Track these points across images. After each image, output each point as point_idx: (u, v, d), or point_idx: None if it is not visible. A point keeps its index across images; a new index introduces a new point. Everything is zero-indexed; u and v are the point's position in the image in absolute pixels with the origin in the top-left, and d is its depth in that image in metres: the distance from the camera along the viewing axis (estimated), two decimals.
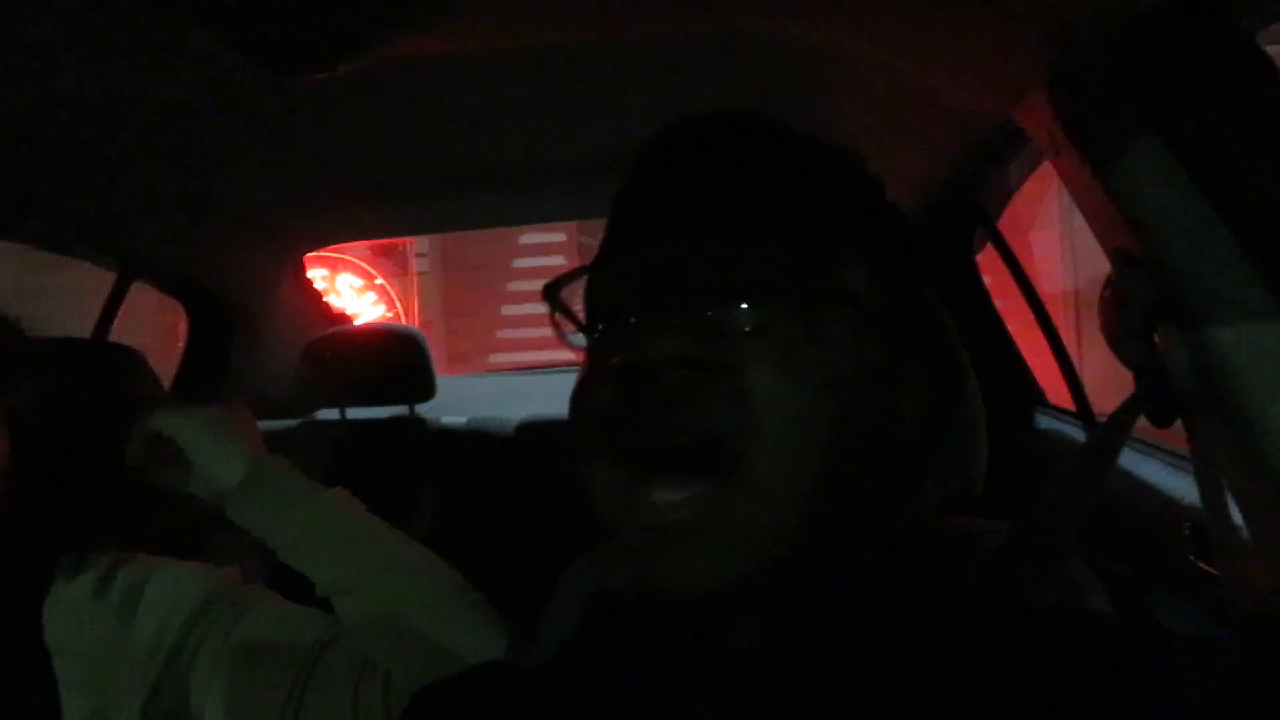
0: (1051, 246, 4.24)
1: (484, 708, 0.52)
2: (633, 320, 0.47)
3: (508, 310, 6.57)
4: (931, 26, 0.85)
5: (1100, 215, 0.74)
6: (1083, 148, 0.73)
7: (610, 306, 0.49)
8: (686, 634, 0.48)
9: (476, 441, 1.99)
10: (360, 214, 1.83)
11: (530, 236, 6.54)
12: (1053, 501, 0.55)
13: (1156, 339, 0.68)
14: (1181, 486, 1.02)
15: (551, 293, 0.52)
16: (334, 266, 5.91)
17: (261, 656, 0.81)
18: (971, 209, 1.44)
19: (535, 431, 1.96)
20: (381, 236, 5.09)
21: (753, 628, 0.47)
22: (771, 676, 0.47)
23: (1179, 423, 0.70)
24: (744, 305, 0.45)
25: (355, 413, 2.04)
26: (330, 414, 2.05)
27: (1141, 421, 0.69)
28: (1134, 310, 0.68)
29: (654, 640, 0.50)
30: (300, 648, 0.80)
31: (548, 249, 6.58)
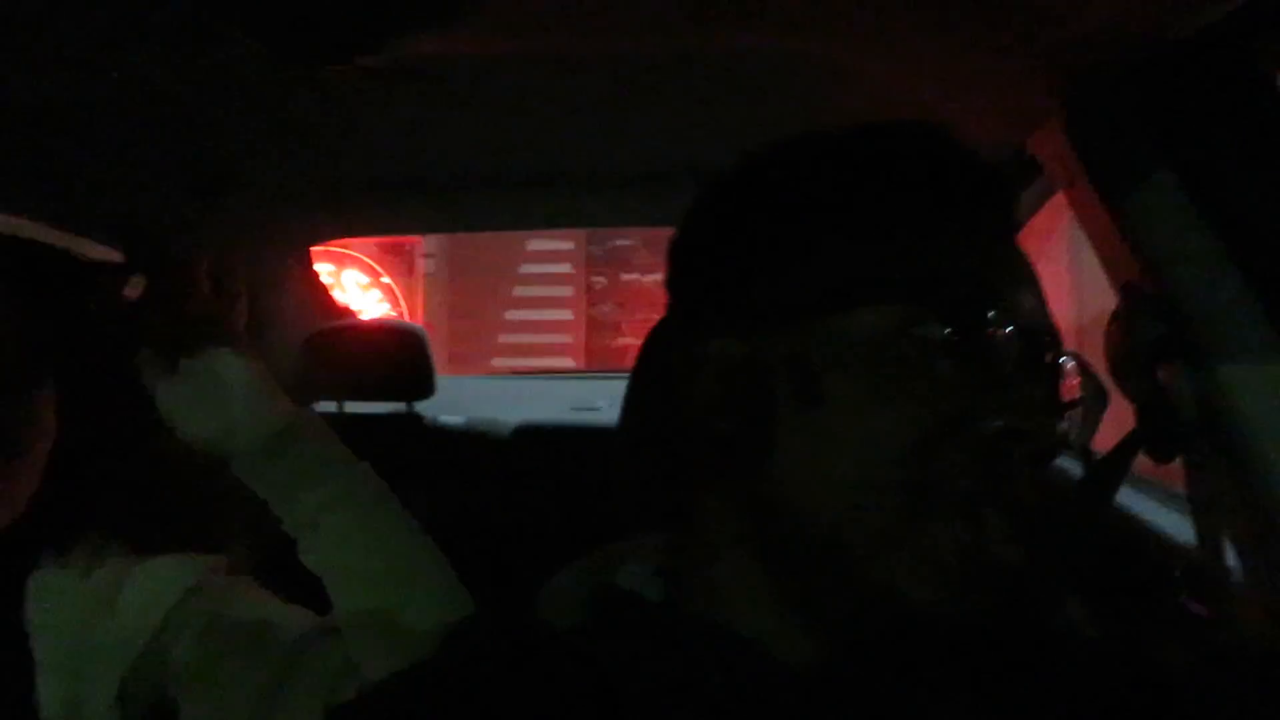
0: (1059, 279, 4.24)
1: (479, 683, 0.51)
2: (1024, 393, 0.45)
3: (511, 315, 6.58)
4: (951, 53, 0.85)
5: (1110, 249, 0.74)
6: (1096, 180, 0.73)
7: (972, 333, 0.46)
8: (732, 645, 0.48)
9: (472, 442, 1.99)
10: (370, 210, 1.83)
11: (538, 243, 6.55)
12: (1058, 538, 0.55)
13: (1160, 375, 0.68)
14: (1175, 525, 1.01)
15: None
16: (341, 262, 5.92)
17: (242, 649, 0.80)
18: None
19: (532, 436, 1.96)
20: (391, 233, 5.11)
21: (812, 646, 0.47)
22: (825, 697, 0.46)
23: (1175, 461, 0.70)
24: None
25: (353, 407, 2.04)
26: (328, 407, 2.05)
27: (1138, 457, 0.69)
28: (1140, 345, 0.67)
29: (687, 646, 0.49)
30: (282, 644, 0.79)
31: (555, 256, 6.60)
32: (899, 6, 0.78)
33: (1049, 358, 0.47)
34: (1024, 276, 0.49)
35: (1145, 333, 0.68)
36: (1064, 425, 0.47)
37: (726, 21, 0.87)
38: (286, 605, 0.84)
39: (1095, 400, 0.48)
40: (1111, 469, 0.64)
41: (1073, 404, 0.48)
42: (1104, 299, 0.78)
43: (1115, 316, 0.72)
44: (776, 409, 0.46)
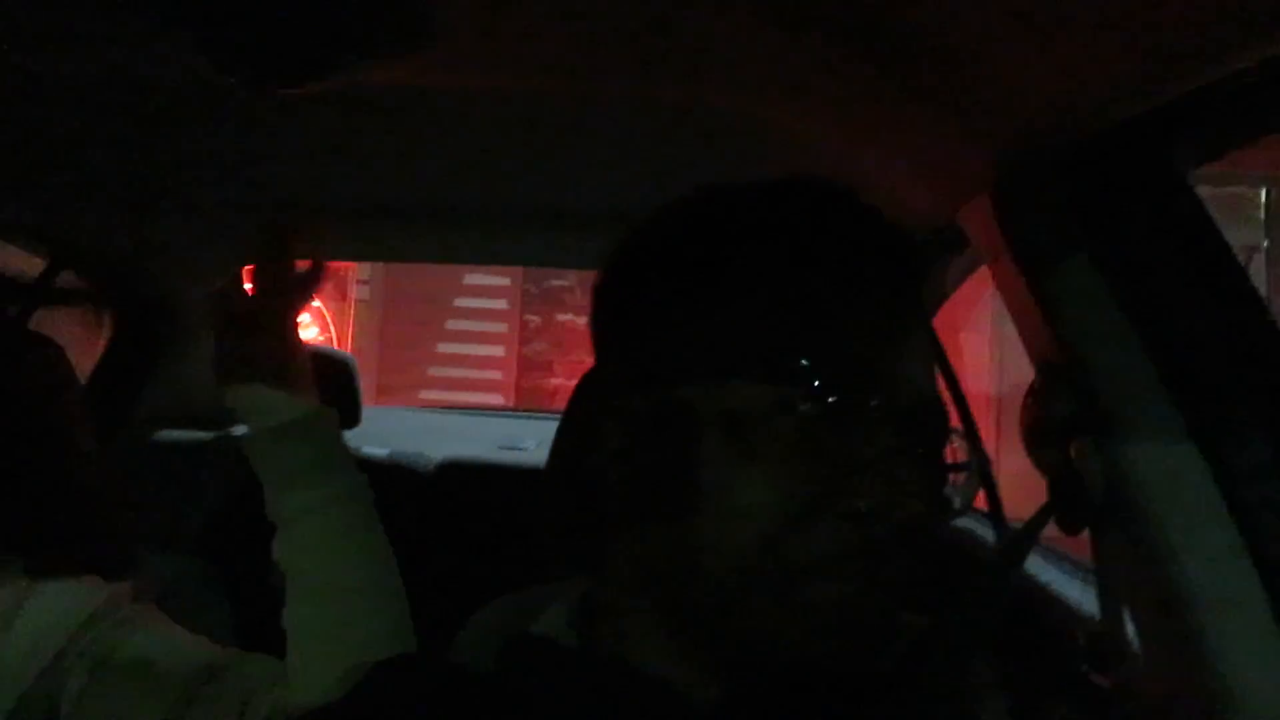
0: (980, 349, 4.37)
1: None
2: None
3: (443, 348, 6.51)
4: (887, 123, 0.88)
5: (1030, 324, 0.77)
6: (1019, 258, 0.76)
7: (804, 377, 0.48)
8: (640, 687, 0.48)
9: (395, 475, 1.96)
10: (305, 234, 1.81)
11: (474, 277, 6.52)
12: (968, 601, 0.56)
13: (1072, 449, 0.70)
14: (1081, 595, 1.04)
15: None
16: None
17: (142, 677, 0.77)
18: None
19: (457, 472, 1.94)
20: (326, 258, 5.03)
21: (714, 688, 0.47)
22: None
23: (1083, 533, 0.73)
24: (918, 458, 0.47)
25: None
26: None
27: (1050, 528, 0.71)
28: (1054, 418, 0.70)
29: (597, 690, 0.50)
30: (183, 674, 0.77)
31: (491, 291, 6.57)
32: (836, 73, 0.81)
33: (925, 433, 0.48)
34: (908, 351, 0.49)
35: (1058, 408, 0.70)
36: (948, 491, 0.49)
37: (669, 73, 0.89)
38: (187, 636, 0.82)
39: (978, 470, 0.50)
40: (1022, 538, 0.66)
41: (957, 467, 0.49)
42: (1024, 369, 0.81)
43: (1031, 390, 0.74)
44: (668, 465, 0.47)
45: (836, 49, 0.75)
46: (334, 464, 0.78)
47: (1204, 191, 0.70)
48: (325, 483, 0.76)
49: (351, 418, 1.97)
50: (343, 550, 0.76)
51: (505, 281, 6.56)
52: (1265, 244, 5.02)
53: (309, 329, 5.99)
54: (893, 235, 0.54)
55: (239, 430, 2.04)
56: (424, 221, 1.66)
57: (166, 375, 1.95)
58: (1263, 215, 5.05)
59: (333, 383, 1.92)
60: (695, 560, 0.46)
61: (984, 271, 0.99)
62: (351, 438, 1.99)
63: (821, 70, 0.81)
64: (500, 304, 6.61)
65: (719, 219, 0.53)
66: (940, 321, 1.53)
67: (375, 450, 2.03)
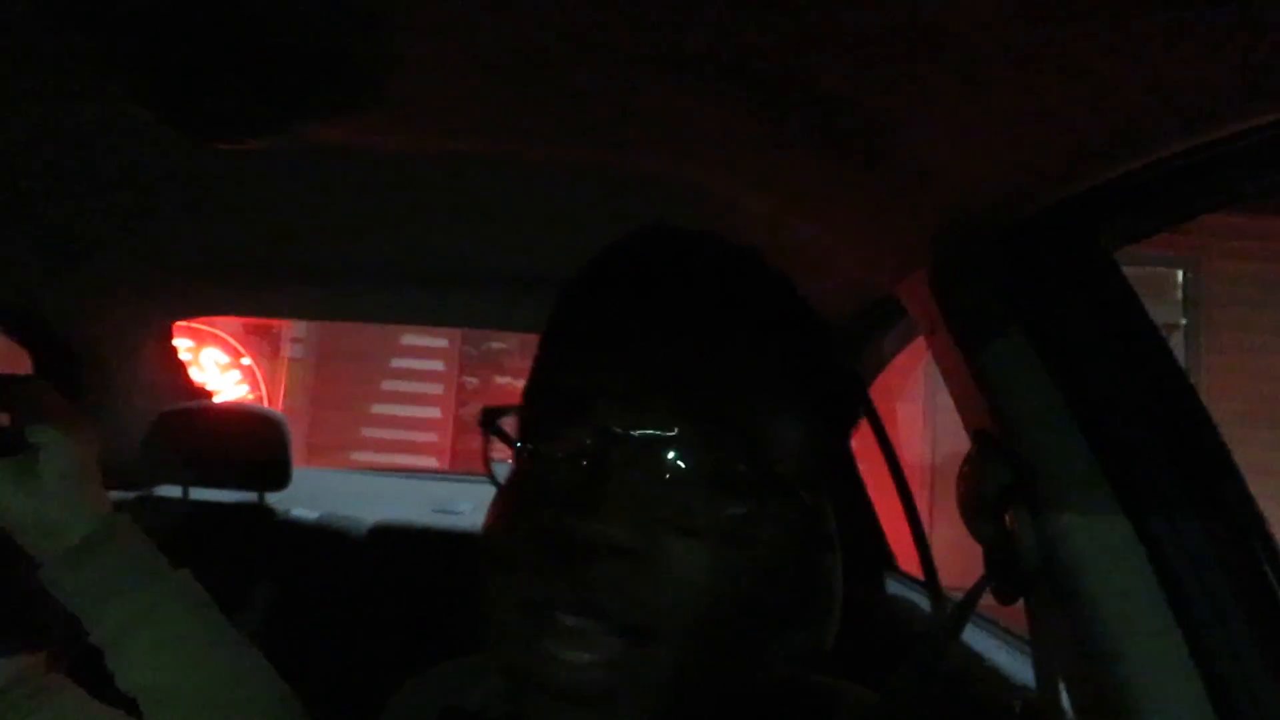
0: (914, 419, 4.44)
1: None
2: (578, 492, 0.45)
3: (378, 409, 6.41)
4: (826, 196, 0.91)
5: (966, 396, 0.79)
6: (955, 331, 0.78)
7: (554, 451, 0.48)
8: None
9: (325, 539, 1.91)
10: (238, 289, 1.78)
11: (412, 338, 6.46)
12: (910, 672, 0.56)
13: (1008, 519, 0.71)
14: (1015, 664, 1.05)
15: (491, 418, 0.51)
16: (201, 339, 5.69)
17: None
18: (846, 373, 1.50)
19: (389, 536, 1.89)
20: (258, 315, 4.95)
21: None
22: None
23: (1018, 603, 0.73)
24: (694, 506, 0.45)
25: (200, 493, 1.93)
26: (173, 491, 1.94)
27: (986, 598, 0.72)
28: (988, 489, 0.71)
29: None
30: None
31: (428, 353, 6.51)
32: (779, 149, 0.83)
33: (652, 466, 0.45)
34: (652, 386, 0.47)
35: (993, 478, 0.71)
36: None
37: (610, 140, 0.90)
38: (104, 708, 0.77)
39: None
40: (961, 609, 0.67)
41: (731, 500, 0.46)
42: (954, 442, 0.82)
43: (968, 460, 0.75)
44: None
45: (779, 126, 0.77)
46: (145, 569, 0.71)
47: (1125, 272, 0.73)
48: (141, 592, 0.70)
49: (281, 478, 1.92)
50: (184, 655, 0.70)
51: (443, 343, 6.51)
52: (1183, 322, 5.23)
53: (239, 386, 5.86)
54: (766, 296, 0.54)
55: (163, 490, 1.98)
56: (361, 280, 1.65)
57: None
58: (1180, 295, 5.27)
59: (262, 442, 1.89)
60: None
61: (920, 342, 1.01)
62: (281, 499, 1.96)
63: (764, 145, 0.83)
64: (437, 365, 6.55)
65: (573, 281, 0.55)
66: (876, 390, 1.55)
67: (305, 513, 1.98)
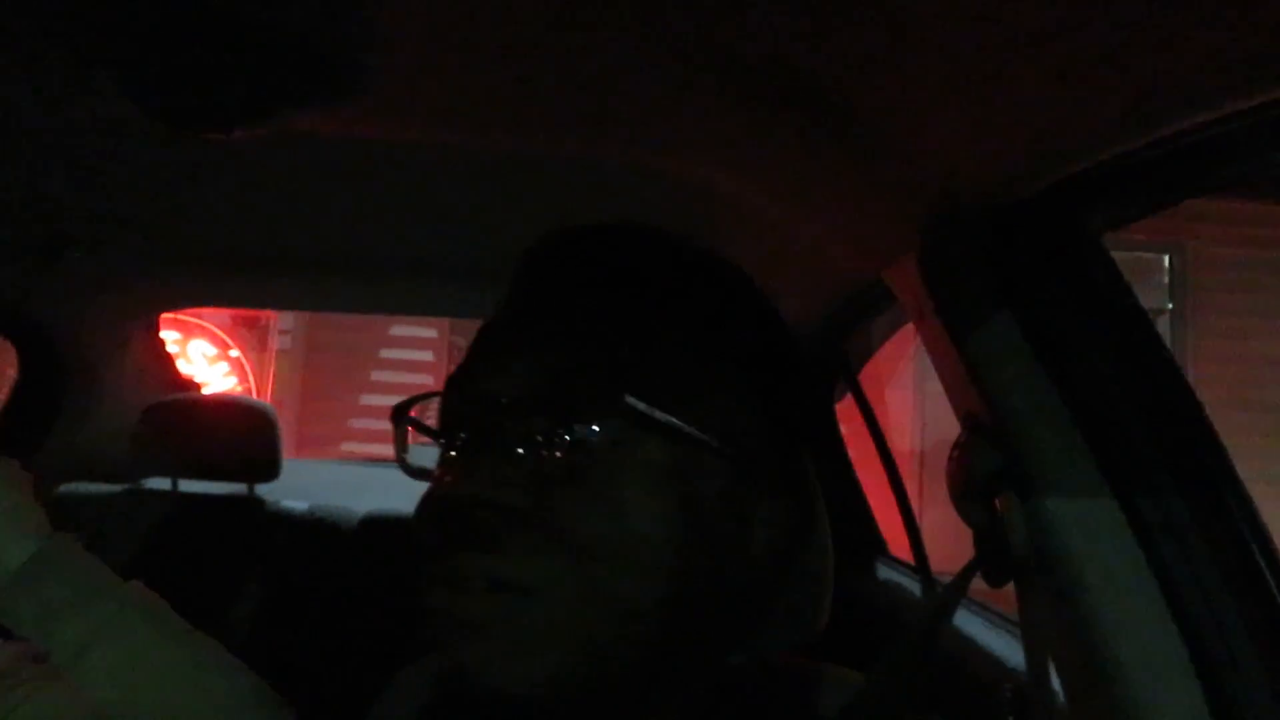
0: (904, 405, 4.46)
1: None
2: (456, 450, 0.48)
3: (367, 400, 6.40)
4: (814, 182, 0.90)
5: (955, 381, 0.79)
6: (945, 316, 0.78)
7: (447, 429, 0.50)
8: None
9: (316, 530, 1.90)
10: (225, 280, 1.77)
11: (401, 329, 6.44)
12: (900, 656, 0.56)
13: (997, 504, 0.72)
14: (1005, 647, 1.06)
15: (401, 411, 0.53)
16: (189, 331, 5.67)
17: None
18: (836, 359, 1.51)
19: (379, 526, 1.89)
20: (245, 306, 4.93)
21: None
22: None
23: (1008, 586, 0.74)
24: (557, 450, 0.45)
25: (189, 486, 1.93)
26: (161, 483, 1.93)
27: (977, 581, 0.72)
28: (978, 474, 0.71)
29: None
30: None
31: (417, 343, 6.49)
32: (766, 136, 0.83)
33: (510, 430, 0.46)
34: (492, 355, 0.50)
35: (983, 463, 0.72)
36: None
37: (598, 130, 0.90)
38: (93, 701, 0.77)
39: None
40: (951, 592, 0.67)
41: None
42: (943, 428, 0.82)
43: (958, 445, 0.76)
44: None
45: (765, 115, 0.77)
46: (93, 586, 0.70)
47: (1120, 257, 0.73)
48: (92, 609, 0.68)
49: (270, 470, 1.91)
50: (143, 668, 0.69)
51: (432, 334, 6.49)
52: (1169, 307, 5.26)
53: (228, 378, 5.84)
54: (708, 275, 0.55)
55: (150, 484, 1.97)
56: (349, 271, 1.64)
57: (71, 426, 1.87)
58: (1167, 280, 5.29)
59: (251, 434, 1.89)
60: None
61: (907, 329, 1.01)
62: (270, 491, 1.95)
63: (750, 134, 0.83)
64: (427, 355, 6.54)
65: (524, 267, 0.57)
66: (866, 376, 1.56)
67: (295, 504, 1.97)
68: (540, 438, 0.45)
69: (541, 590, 0.44)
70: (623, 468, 0.45)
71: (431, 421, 0.53)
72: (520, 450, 0.45)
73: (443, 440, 0.50)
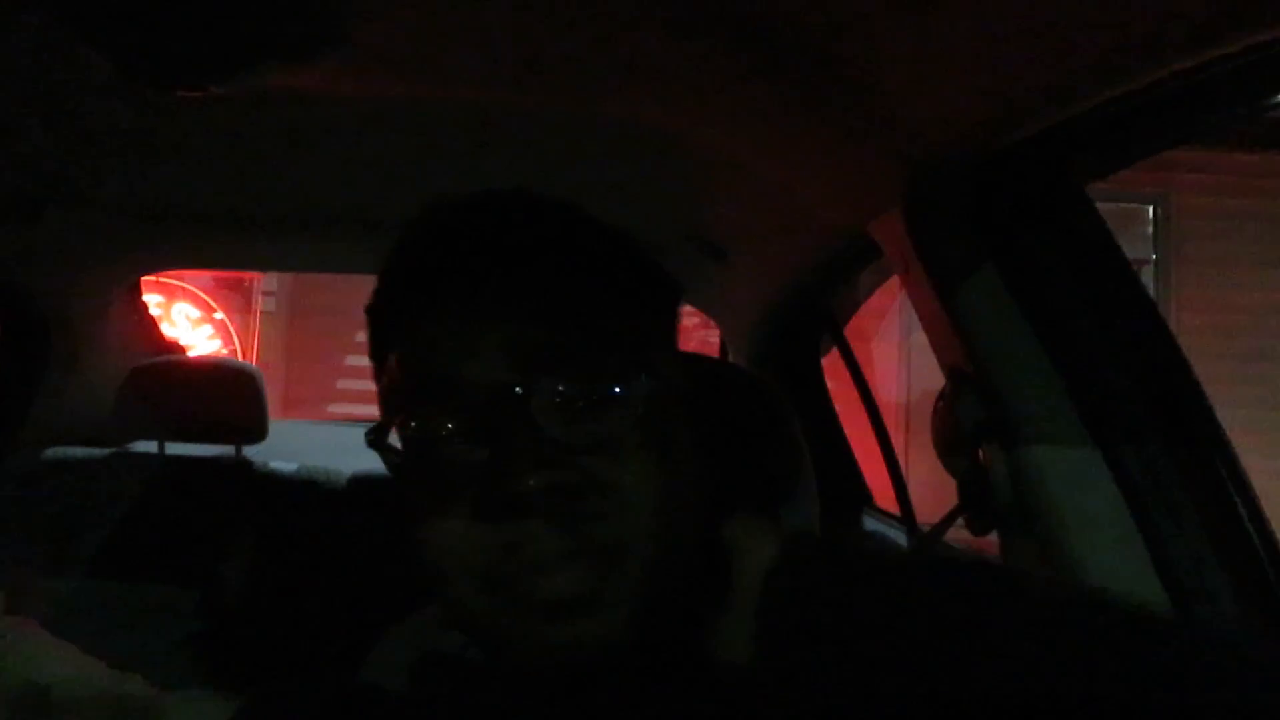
0: (890, 359, 4.48)
1: None
2: (484, 451, 0.46)
3: (352, 361, 6.38)
4: (799, 136, 0.90)
5: (940, 333, 0.79)
6: (929, 269, 0.78)
7: (454, 431, 0.49)
8: (539, 699, 0.48)
9: (304, 490, 1.90)
10: (206, 242, 1.75)
11: None
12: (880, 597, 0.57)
13: (981, 454, 0.72)
14: None
15: (377, 440, 0.52)
16: (171, 294, 5.62)
17: (25, 705, 0.72)
18: (822, 314, 1.51)
19: (367, 486, 1.90)
20: (227, 268, 4.89)
21: (606, 694, 0.47)
22: None
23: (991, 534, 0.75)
24: (593, 423, 0.46)
25: (176, 449, 1.92)
26: (149, 447, 1.93)
27: (960, 531, 0.73)
28: (963, 425, 0.72)
29: (501, 706, 0.49)
30: (80, 701, 0.72)
31: None
32: (750, 89, 0.82)
33: (510, 412, 0.46)
34: (486, 331, 0.49)
35: (967, 414, 0.72)
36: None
37: (582, 85, 0.89)
38: (75, 655, 0.76)
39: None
40: (930, 537, 0.68)
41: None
42: (929, 382, 0.83)
43: (942, 397, 0.76)
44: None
45: (752, 68, 0.76)
46: None
47: (1096, 208, 0.73)
48: None
49: (257, 432, 1.91)
50: None
51: None
52: (1154, 257, 5.27)
53: (212, 341, 5.81)
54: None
55: (137, 448, 1.96)
56: (333, 230, 1.63)
57: (55, 391, 1.86)
58: (1151, 230, 5.30)
59: (238, 396, 1.88)
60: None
61: (892, 283, 1.01)
62: (258, 452, 1.95)
63: (736, 86, 0.82)
64: None
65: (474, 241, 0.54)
66: (852, 331, 1.56)
67: (283, 465, 1.97)
68: (578, 405, 0.46)
69: (623, 548, 0.45)
70: (650, 418, 0.47)
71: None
72: (559, 434, 0.46)
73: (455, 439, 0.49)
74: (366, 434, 0.52)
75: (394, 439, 0.51)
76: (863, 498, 1.60)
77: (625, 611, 0.46)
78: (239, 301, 6.22)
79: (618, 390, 0.47)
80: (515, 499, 0.44)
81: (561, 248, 0.52)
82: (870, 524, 1.52)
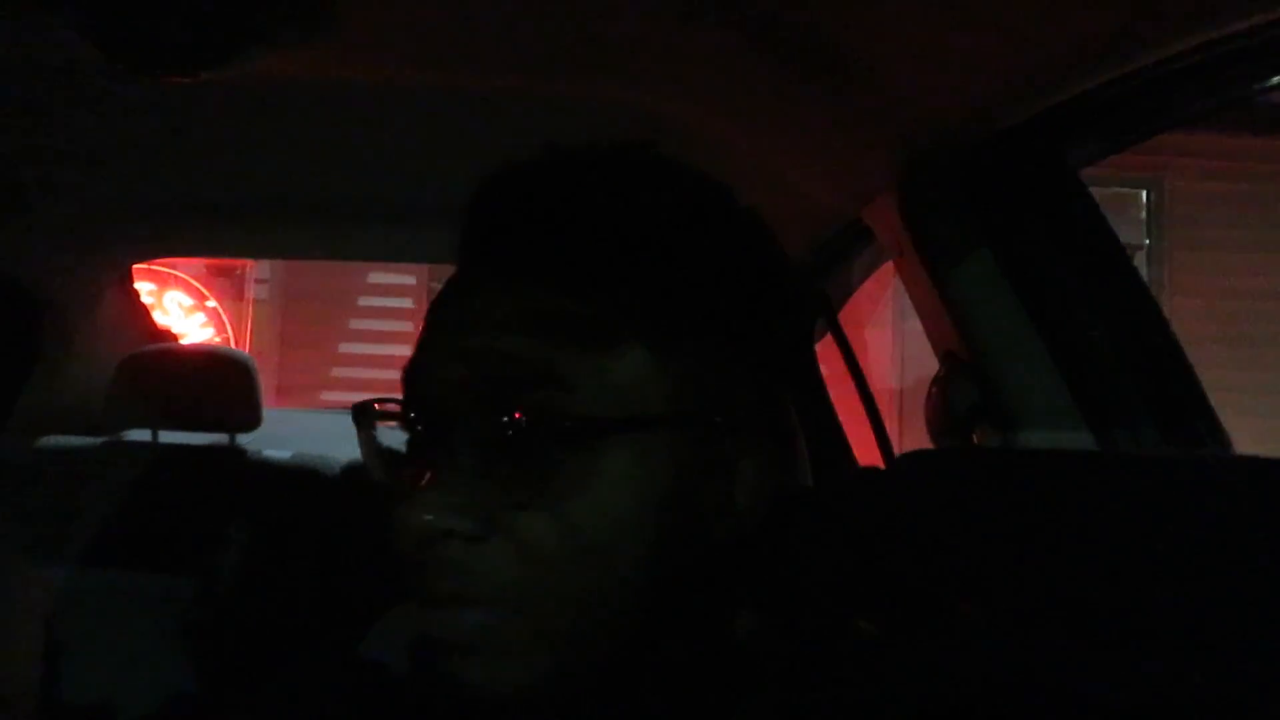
0: (884, 344, 4.48)
1: None
2: (417, 464, 0.46)
3: (345, 348, 6.36)
4: (793, 120, 0.90)
5: (934, 318, 0.79)
6: (924, 253, 0.78)
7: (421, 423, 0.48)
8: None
9: (298, 478, 1.90)
10: (199, 229, 1.74)
11: (379, 276, 6.38)
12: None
13: (975, 438, 0.73)
14: None
15: (363, 413, 0.50)
16: (164, 282, 5.60)
17: None
18: (817, 299, 1.51)
19: (363, 474, 1.89)
20: (220, 255, 4.87)
21: None
22: None
23: None
24: (519, 465, 0.42)
25: (170, 438, 1.92)
26: (142, 435, 1.92)
27: None
28: (957, 409, 0.72)
29: None
30: None
31: (396, 290, 6.44)
32: (744, 73, 0.81)
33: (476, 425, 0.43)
34: (454, 336, 0.47)
35: (961, 398, 0.72)
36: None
37: (577, 69, 0.88)
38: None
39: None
40: None
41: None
42: (922, 367, 0.83)
43: (936, 381, 0.76)
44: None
45: (745, 50, 0.76)
46: None
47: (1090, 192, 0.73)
48: None
49: (251, 420, 1.91)
50: None
51: (411, 280, 6.44)
52: (1147, 243, 5.28)
53: (205, 329, 5.80)
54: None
55: (130, 436, 1.96)
56: (325, 217, 1.62)
57: (47, 379, 1.85)
58: (1144, 216, 5.31)
59: (231, 384, 1.88)
60: None
61: (888, 269, 1.01)
62: (253, 440, 1.95)
63: (729, 70, 0.82)
64: (406, 302, 6.49)
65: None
66: (846, 316, 1.56)
67: (278, 453, 1.97)
68: (509, 428, 0.42)
69: (523, 599, 0.42)
70: (599, 452, 0.42)
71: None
72: (487, 445, 0.43)
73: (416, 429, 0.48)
74: (354, 405, 0.50)
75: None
76: None
77: (540, 663, 0.43)
78: (231, 289, 6.19)
79: (553, 434, 0.42)
80: (416, 530, 0.43)
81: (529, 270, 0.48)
82: None
